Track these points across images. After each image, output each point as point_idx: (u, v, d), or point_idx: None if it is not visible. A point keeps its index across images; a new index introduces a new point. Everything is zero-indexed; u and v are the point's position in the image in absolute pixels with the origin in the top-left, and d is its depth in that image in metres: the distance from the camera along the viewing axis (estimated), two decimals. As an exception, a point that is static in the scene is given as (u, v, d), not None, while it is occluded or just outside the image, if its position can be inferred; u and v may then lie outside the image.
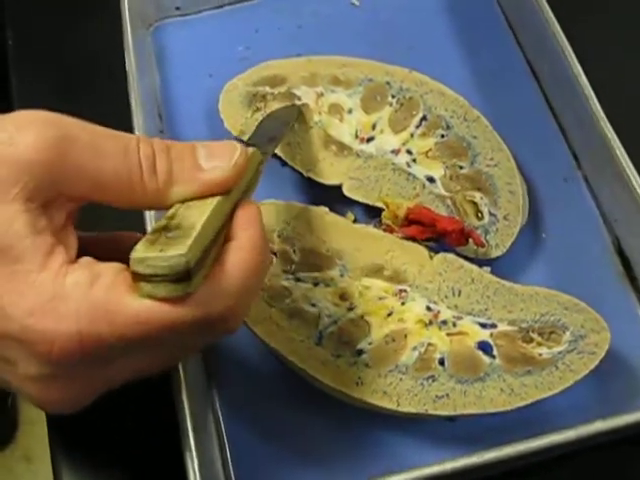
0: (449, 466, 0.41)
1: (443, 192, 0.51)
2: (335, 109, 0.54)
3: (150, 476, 0.45)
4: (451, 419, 0.45)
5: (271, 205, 0.50)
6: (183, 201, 0.37)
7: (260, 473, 0.45)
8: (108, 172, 0.36)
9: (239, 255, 0.36)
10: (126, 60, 0.55)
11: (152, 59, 0.59)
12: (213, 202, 0.37)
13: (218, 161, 0.38)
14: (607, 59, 0.57)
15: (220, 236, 0.37)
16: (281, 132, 0.50)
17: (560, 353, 0.45)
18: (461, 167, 0.52)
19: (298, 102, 0.54)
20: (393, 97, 0.54)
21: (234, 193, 0.39)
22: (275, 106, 0.54)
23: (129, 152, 0.37)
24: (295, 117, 0.53)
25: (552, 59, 0.54)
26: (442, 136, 0.53)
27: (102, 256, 0.36)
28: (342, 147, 0.53)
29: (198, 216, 0.36)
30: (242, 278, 0.36)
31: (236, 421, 0.46)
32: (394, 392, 0.44)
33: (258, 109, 0.55)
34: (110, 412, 0.42)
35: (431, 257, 0.48)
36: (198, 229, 0.35)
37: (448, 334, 0.45)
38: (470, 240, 0.48)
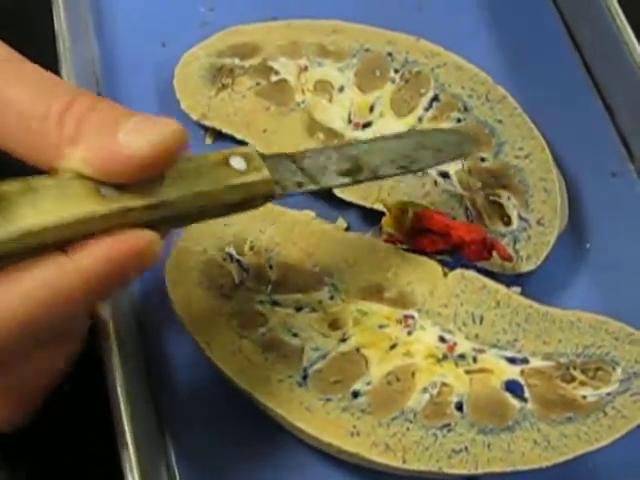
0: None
1: (460, 190, 0.51)
2: (323, 87, 0.55)
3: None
4: (472, 479, 0.45)
5: (241, 208, 0.50)
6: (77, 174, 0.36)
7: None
8: (21, 100, 0.36)
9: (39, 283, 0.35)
10: (55, 22, 0.55)
11: (89, 21, 0.60)
12: (88, 206, 0.35)
13: (136, 134, 0.36)
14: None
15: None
16: (374, 170, 0.45)
17: (609, 395, 0.45)
18: (483, 159, 0.52)
19: (275, 77, 0.55)
20: (396, 72, 0.55)
21: (147, 197, 0.36)
22: (246, 83, 0.55)
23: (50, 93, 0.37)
24: (452, 156, 0.49)
25: (596, 22, 0.55)
26: (458, 120, 0.53)
27: None
28: (331, 134, 0.53)
29: (38, 213, 0.34)
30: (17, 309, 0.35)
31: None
32: (399, 445, 0.44)
33: (224, 86, 0.55)
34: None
35: (445, 274, 0.49)
36: (22, 229, 0.34)
37: (467, 372, 0.46)
38: (494, 253, 0.49)
